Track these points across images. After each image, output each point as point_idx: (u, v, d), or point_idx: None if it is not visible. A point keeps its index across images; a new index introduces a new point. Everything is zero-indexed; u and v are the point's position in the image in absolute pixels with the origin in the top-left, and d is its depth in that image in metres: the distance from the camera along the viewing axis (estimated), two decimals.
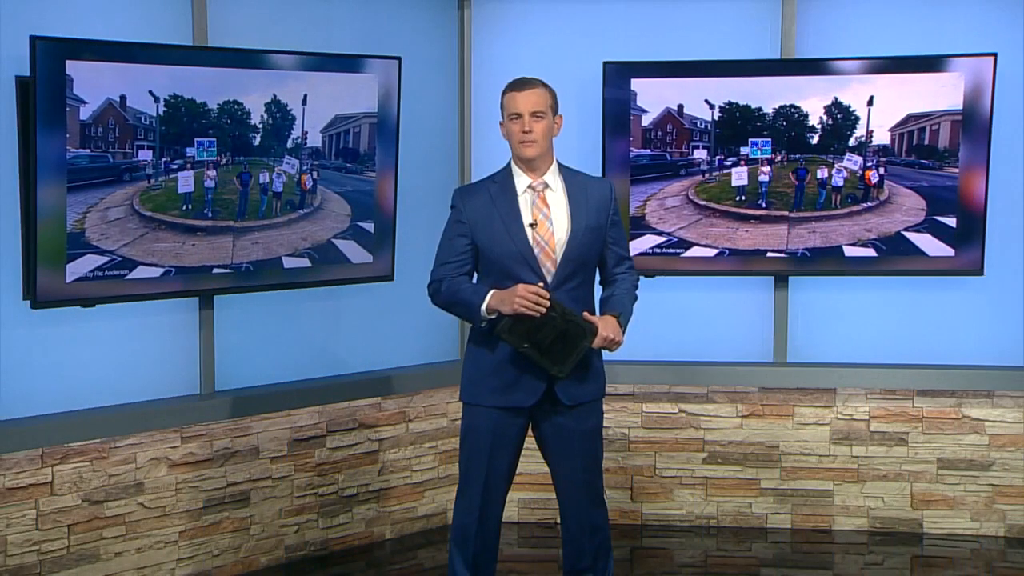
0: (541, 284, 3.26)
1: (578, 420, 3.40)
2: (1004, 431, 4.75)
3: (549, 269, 3.32)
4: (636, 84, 4.73)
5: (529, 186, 3.36)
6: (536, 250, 3.31)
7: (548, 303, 3.20)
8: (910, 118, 4.66)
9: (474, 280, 3.44)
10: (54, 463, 3.89)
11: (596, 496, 3.49)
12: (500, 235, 3.33)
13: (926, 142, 4.67)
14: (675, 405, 4.90)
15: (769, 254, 4.77)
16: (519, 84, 3.36)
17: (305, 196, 4.39)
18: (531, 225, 3.32)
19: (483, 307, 3.27)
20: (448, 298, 3.37)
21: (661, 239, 4.79)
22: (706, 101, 4.72)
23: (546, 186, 3.37)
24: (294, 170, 4.33)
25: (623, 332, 3.35)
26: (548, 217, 3.34)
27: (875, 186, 4.71)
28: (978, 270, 4.66)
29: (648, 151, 4.77)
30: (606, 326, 3.30)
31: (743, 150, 4.73)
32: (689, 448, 4.89)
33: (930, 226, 4.70)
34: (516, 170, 3.39)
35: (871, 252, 4.73)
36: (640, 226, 4.77)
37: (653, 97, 4.73)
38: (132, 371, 4.16)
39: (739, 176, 4.75)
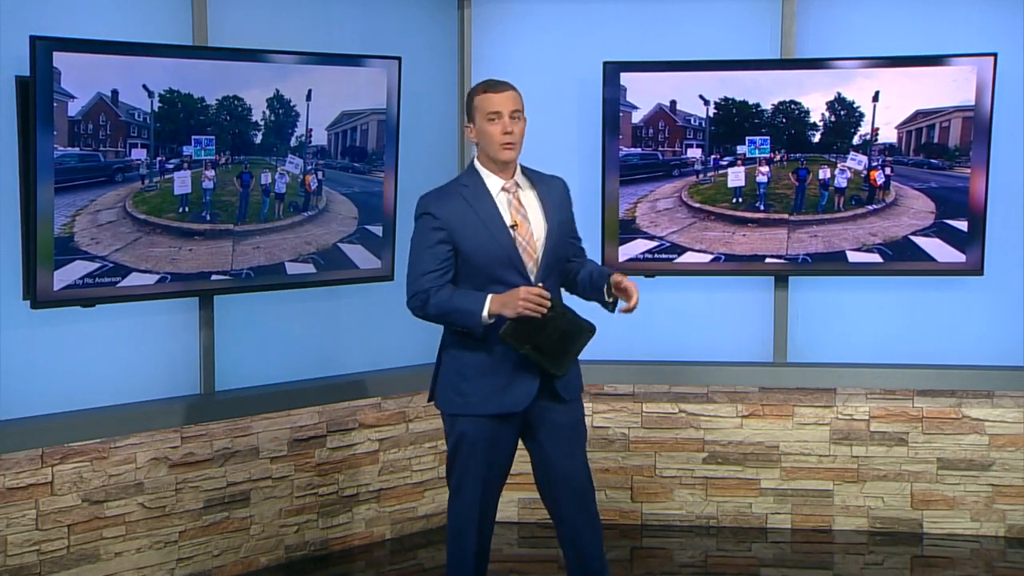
0: (541, 285, 3.24)
1: (569, 413, 3.41)
2: (1004, 431, 4.75)
3: (532, 269, 3.30)
4: (626, 78, 4.59)
5: (503, 188, 3.33)
6: (520, 251, 3.29)
7: (550, 303, 3.19)
8: (918, 115, 4.52)
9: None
10: (54, 463, 3.88)
11: (593, 490, 3.49)
12: (483, 239, 3.27)
13: (935, 140, 4.52)
14: (675, 405, 4.90)
15: (768, 259, 4.68)
16: (495, 85, 3.33)
17: (309, 198, 4.29)
18: (512, 227, 3.30)
19: (484, 313, 3.20)
20: (441, 308, 3.26)
21: (652, 244, 4.68)
22: (701, 97, 4.59)
23: (518, 186, 3.35)
24: (298, 170, 4.25)
25: None
26: (526, 217, 3.33)
27: (881, 187, 4.59)
28: (978, 270, 4.63)
29: (639, 150, 4.63)
30: (621, 279, 3.27)
31: (740, 149, 4.62)
32: (689, 448, 4.89)
33: (939, 230, 4.58)
34: (485, 172, 3.34)
35: (876, 258, 4.61)
36: (630, 230, 4.66)
37: (644, 93, 4.59)
38: (132, 371, 4.16)
39: (736, 177, 4.64)
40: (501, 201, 3.31)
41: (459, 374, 3.35)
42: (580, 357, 3.38)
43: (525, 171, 3.41)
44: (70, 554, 3.93)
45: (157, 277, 3.94)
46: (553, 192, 3.40)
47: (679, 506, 4.91)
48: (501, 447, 3.37)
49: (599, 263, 3.50)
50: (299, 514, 4.50)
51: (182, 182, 3.95)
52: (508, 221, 3.30)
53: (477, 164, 3.36)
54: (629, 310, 3.28)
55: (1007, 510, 4.75)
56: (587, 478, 3.47)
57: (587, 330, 3.28)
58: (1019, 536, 4.73)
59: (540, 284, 3.25)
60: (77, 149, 3.68)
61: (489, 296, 3.21)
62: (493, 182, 3.33)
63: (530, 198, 3.36)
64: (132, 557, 4.08)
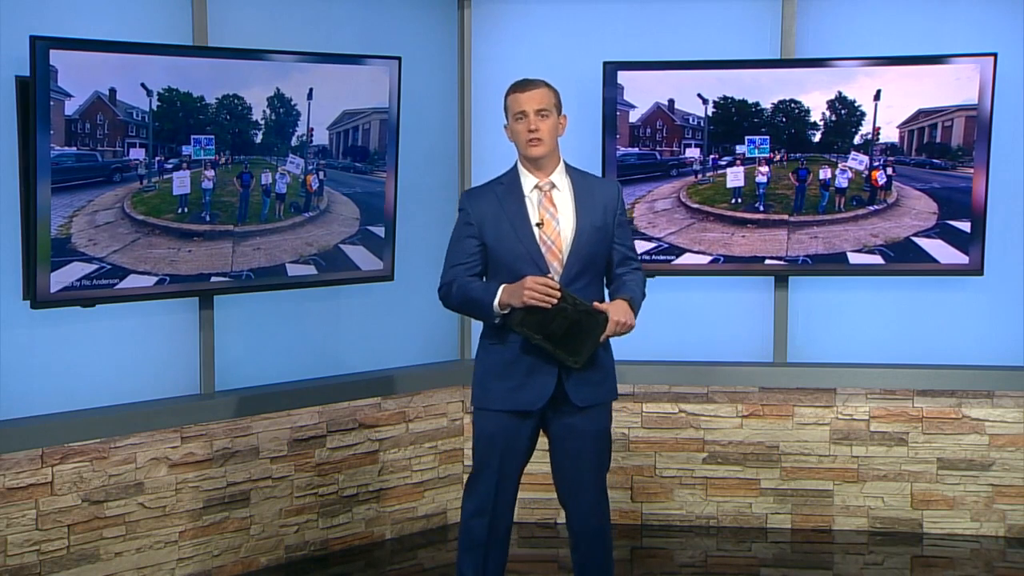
0: (551, 275, 3.27)
1: (588, 421, 3.40)
2: (1004, 431, 4.75)
3: (556, 269, 3.33)
4: (624, 77, 4.56)
5: (536, 186, 3.37)
6: (543, 249, 3.32)
7: (559, 294, 3.21)
8: (920, 114, 4.48)
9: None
10: (54, 463, 3.88)
11: (605, 499, 3.49)
12: (507, 235, 3.34)
13: (938, 140, 4.48)
14: (675, 405, 4.90)
15: (767, 261, 4.65)
16: (522, 85, 3.38)
17: (311, 198, 4.27)
18: (537, 225, 3.33)
19: (495, 303, 3.27)
20: (460, 299, 3.38)
21: (650, 245, 4.65)
22: (699, 96, 4.56)
23: (553, 186, 3.38)
24: (299, 170, 4.23)
25: (634, 316, 3.33)
26: (555, 217, 3.35)
27: (882, 188, 4.56)
28: (978, 270, 4.63)
29: (636, 149, 4.60)
30: (616, 310, 3.29)
31: (739, 149, 4.60)
32: (689, 448, 4.89)
33: (942, 231, 4.54)
34: (523, 171, 3.40)
35: (878, 259, 4.58)
36: None
37: (642, 91, 4.56)
38: (132, 371, 4.16)
39: (735, 177, 4.61)
40: (532, 199, 3.37)
41: (485, 371, 3.42)
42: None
43: (571, 172, 3.43)
44: (70, 554, 3.93)
45: (156, 279, 3.91)
46: (597, 194, 3.41)
47: (679, 506, 4.91)
48: (517, 443, 3.40)
49: (639, 280, 3.48)
50: (299, 514, 4.50)
51: (181, 182, 3.92)
52: (535, 219, 3.34)
53: (518, 163, 3.42)
54: (614, 331, 3.30)
55: (1007, 510, 4.75)
56: (596, 493, 3.46)
57: (602, 320, 3.27)
58: (1019, 536, 4.73)
59: (549, 275, 3.27)
60: (74, 149, 3.64)
61: (501, 286, 3.28)
62: (528, 180, 3.38)
63: (564, 198, 3.39)
64: (132, 557, 4.08)
